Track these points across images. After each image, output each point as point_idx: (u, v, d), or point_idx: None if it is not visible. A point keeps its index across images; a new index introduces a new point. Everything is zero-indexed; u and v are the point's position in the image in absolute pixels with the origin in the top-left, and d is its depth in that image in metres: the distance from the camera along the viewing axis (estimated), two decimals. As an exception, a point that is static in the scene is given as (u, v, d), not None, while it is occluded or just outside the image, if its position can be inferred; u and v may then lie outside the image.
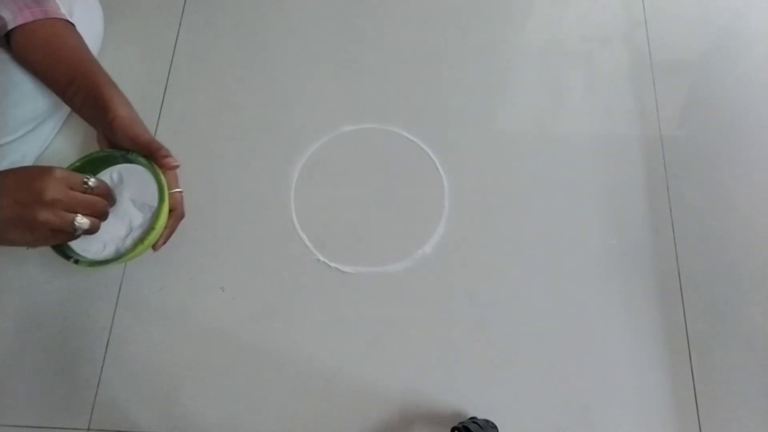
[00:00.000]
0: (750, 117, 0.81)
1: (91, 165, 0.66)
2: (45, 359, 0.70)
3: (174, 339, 0.70)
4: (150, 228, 0.62)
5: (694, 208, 0.76)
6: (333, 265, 0.74)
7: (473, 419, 0.63)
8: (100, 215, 0.57)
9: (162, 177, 0.64)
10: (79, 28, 0.76)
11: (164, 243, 0.66)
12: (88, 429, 0.67)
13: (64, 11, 0.69)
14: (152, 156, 0.64)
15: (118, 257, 0.62)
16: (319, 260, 0.74)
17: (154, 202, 0.63)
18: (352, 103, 0.82)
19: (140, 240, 0.61)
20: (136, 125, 0.65)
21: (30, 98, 0.73)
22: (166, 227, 0.65)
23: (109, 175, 0.66)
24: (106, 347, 0.70)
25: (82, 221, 0.54)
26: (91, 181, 0.56)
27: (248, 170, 0.79)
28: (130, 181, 0.65)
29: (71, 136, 0.81)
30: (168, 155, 0.64)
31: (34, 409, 0.68)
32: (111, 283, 0.73)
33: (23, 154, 0.75)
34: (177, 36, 0.87)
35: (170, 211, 0.65)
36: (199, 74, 0.85)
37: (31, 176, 0.52)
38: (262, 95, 0.83)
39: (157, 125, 0.82)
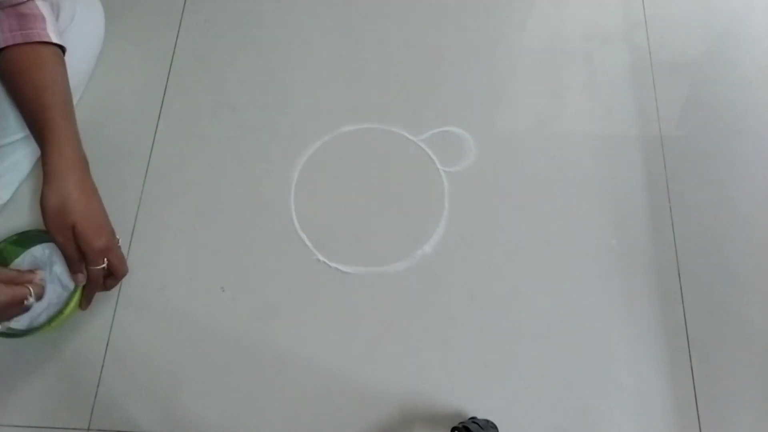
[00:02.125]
0: (750, 117, 0.81)
1: (26, 240, 0.69)
2: (45, 359, 0.70)
3: (174, 339, 0.70)
4: (58, 312, 0.65)
5: (694, 208, 0.76)
6: (333, 265, 0.74)
7: (473, 419, 0.63)
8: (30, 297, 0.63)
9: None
10: (81, 29, 0.77)
11: (88, 304, 0.68)
12: (88, 429, 0.67)
13: (52, 31, 0.67)
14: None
15: (28, 331, 0.65)
16: (319, 260, 0.74)
17: (72, 285, 0.66)
18: (352, 103, 0.82)
19: (48, 322, 0.64)
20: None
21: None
22: (76, 311, 0.68)
23: (42, 249, 0.69)
24: (106, 347, 0.70)
25: (28, 302, 0.62)
26: (38, 281, 0.64)
27: (248, 170, 0.79)
28: (59, 258, 0.67)
29: (71, 136, 0.81)
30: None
31: (34, 409, 0.68)
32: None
33: (24, 154, 0.75)
34: (177, 36, 0.87)
35: (108, 275, 0.66)
36: (199, 74, 0.85)
37: None
38: (262, 95, 0.83)
39: (157, 125, 0.82)
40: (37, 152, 0.78)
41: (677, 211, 0.76)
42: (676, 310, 0.71)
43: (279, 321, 0.71)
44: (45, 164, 0.62)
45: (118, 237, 0.67)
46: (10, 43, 0.63)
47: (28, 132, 0.73)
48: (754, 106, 0.82)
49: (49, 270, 0.69)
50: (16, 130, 0.73)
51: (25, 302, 0.61)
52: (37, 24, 0.65)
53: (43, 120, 0.63)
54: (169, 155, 0.80)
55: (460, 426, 0.60)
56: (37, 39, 0.64)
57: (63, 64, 0.67)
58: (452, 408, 0.67)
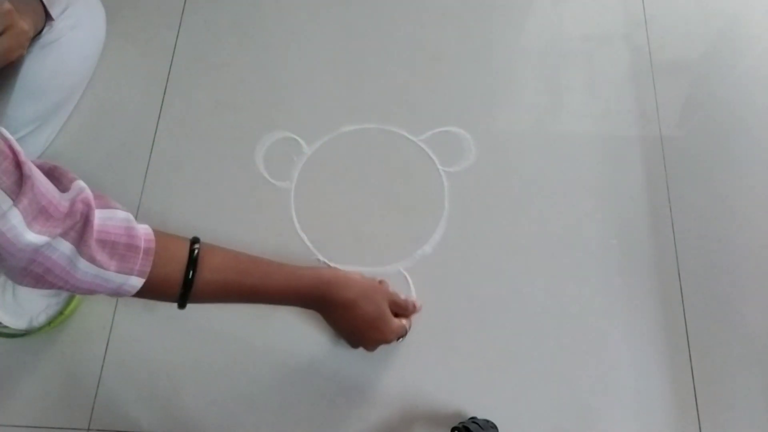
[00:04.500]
0: (750, 117, 0.81)
1: None
2: (45, 359, 0.70)
3: (174, 339, 0.70)
4: (58, 312, 0.66)
5: (694, 208, 0.76)
6: (333, 265, 0.73)
7: (473, 419, 0.63)
8: (407, 326, 0.67)
9: None
10: (81, 29, 0.77)
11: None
12: (88, 429, 0.67)
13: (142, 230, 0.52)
14: None
15: (28, 331, 0.66)
16: (319, 260, 0.74)
17: None
18: (352, 103, 0.82)
19: (48, 322, 0.66)
20: None
21: (30, 100, 0.73)
22: (76, 311, 0.69)
23: None
24: (106, 347, 0.70)
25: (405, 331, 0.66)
26: (412, 302, 0.68)
27: (248, 170, 0.79)
28: None
29: (72, 137, 0.81)
30: None
31: (34, 409, 0.68)
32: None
33: (24, 155, 0.75)
34: (177, 36, 0.87)
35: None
36: (199, 74, 0.85)
37: (383, 329, 0.63)
38: (262, 95, 0.83)
39: (157, 125, 0.82)
40: (37, 152, 0.78)
41: (677, 211, 0.76)
42: (676, 310, 0.71)
43: (279, 321, 0.71)
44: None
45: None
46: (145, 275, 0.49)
47: (28, 131, 0.74)
48: (754, 106, 0.82)
49: None
50: (16, 129, 0.73)
51: None
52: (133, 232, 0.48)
53: (286, 283, 0.58)
54: (169, 155, 0.80)
55: (460, 426, 0.60)
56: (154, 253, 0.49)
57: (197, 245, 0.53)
58: (452, 408, 0.67)
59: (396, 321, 0.63)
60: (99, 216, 0.45)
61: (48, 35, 0.72)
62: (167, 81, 0.84)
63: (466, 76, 0.84)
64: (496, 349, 0.69)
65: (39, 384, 0.69)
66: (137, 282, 0.47)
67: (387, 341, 0.63)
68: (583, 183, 0.77)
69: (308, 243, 0.75)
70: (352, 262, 0.73)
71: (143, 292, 0.48)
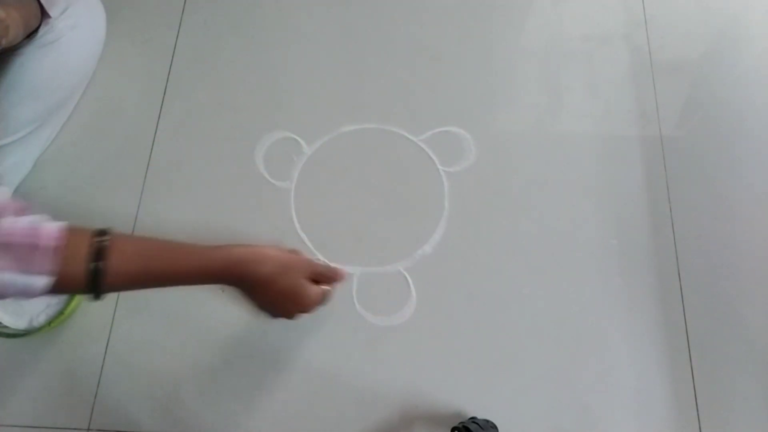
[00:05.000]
0: (750, 117, 0.81)
1: None
2: (45, 359, 0.70)
3: (174, 339, 0.70)
4: (58, 312, 0.67)
5: (694, 208, 0.76)
6: (333, 265, 0.73)
7: (473, 419, 0.63)
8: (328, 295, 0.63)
9: None
10: (81, 29, 0.77)
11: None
12: (88, 429, 0.67)
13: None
14: None
15: (28, 331, 0.66)
16: (319, 260, 0.74)
17: None
18: (352, 103, 0.82)
19: (48, 322, 0.66)
20: None
21: (29, 100, 0.73)
22: (76, 311, 0.70)
23: None
24: (106, 347, 0.70)
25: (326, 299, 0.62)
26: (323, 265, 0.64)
27: (248, 170, 0.79)
28: None
29: (72, 137, 0.81)
30: None
31: (34, 409, 0.68)
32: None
33: (25, 154, 0.75)
34: (177, 36, 0.87)
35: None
36: (199, 74, 0.85)
37: (299, 298, 0.59)
38: (262, 95, 0.83)
39: (157, 125, 0.82)
40: (38, 152, 0.78)
41: (677, 211, 0.76)
42: (676, 310, 0.71)
43: (279, 321, 0.71)
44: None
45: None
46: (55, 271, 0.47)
47: (28, 131, 0.74)
48: (754, 106, 0.82)
49: None
50: (16, 129, 0.73)
51: None
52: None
53: (192, 261, 0.56)
54: (169, 155, 0.80)
55: (460, 426, 0.60)
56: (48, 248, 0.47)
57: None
58: (452, 408, 0.67)
59: (315, 289, 0.60)
60: (6, 222, 0.45)
61: (48, 35, 0.72)
62: (167, 81, 0.84)
63: (466, 76, 0.84)
64: (496, 349, 0.69)
65: (39, 384, 0.69)
66: (43, 281, 0.46)
67: (307, 311, 0.61)
68: (583, 183, 0.77)
69: (308, 243, 0.75)
70: (352, 262, 0.73)
71: (55, 290, 0.47)
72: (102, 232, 0.50)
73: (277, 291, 0.58)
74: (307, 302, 0.60)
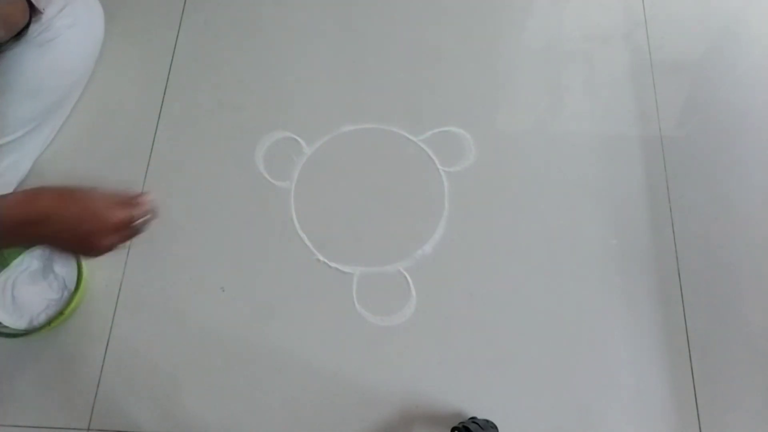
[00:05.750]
0: (750, 117, 0.81)
1: None
2: (45, 359, 0.70)
3: (174, 339, 0.70)
4: (58, 312, 0.67)
5: (694, 208, 0.76)
6: (333, 265, 0.73)
7: (473, 419, 0.63)
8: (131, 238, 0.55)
9: (83, 264, 0.69)
10: (79, 28, 0.77)
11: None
12: (88, 429, 0.67)
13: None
14: None
15: (28, 331, 0.67)
16: (319, 260, 0.74)
17: (73, 285, 0.68)
18: (352, 103, 0.82)
19: (48, 322, 0.67)
20: None
21: (28, 99, 0.73)
22: (76, 311, 0.70)
23: (42, 250, 0.71)
24: (106, 347, 0.70)
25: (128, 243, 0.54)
26: (139, 222, 0.54)
27: (248, 170, 0.79)
28: (59, 258, 0.70)
29: (71, 137, 0.81)
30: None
31: (34, 409, 0.68)
32: (111, 283, 0.73)
33: (23, 154, 0.75)
34: (177, 36, 0.87)
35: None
36: (199, 74, 0.85)
37: (96, 214, 0.52)
38: (262, 95, 0.83)
39: (157, 125, 0.82)
40: (37, 152, 0.78)
41: (677, 211, 0.76)
42: (676, 310, 0.71)
43: (279, 321, 0.71)
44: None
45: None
46: None
47: (26, 131, 0.74)
48: (754, 106, 0.82)
49: (50, 270, 0.69)
50: (14, 129, 0.73)
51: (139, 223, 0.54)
52: None
53: None
54: (169, 155, 0.80)
55: (460, 426, 0.60)
56: None
57: None
58: (452, 408, 0.67)
59: (114, 224, 0.51)
60: None
61: (45, 34, 0.72)
62: (167, 81, 0.84)
63: (466, 76, 0.84)
64: (496, 349, 0.69)
65: (39, 384, 0.69)
66: None
67: (112, 248, 0.53)
68: (583, 183, 0.77)
69: (308, 243, 0.75)
70: (352, 262, 0.73)
71: None
72: None
73: (75, 243, 0.52)
74: (106, 244, 0.52)
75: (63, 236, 0.52)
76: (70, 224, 0.51)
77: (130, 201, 0.54)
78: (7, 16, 0.67)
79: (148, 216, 0.54)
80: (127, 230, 0.53)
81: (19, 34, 0.70)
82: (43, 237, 0.52)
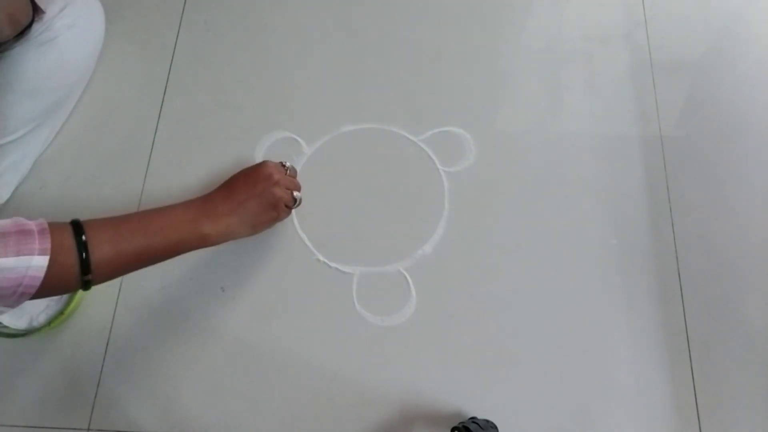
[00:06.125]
0: (750, 117, 0.81)
1: None
2: (45, 359, 0.70)
3: (174, 339, 0.70)
4: (58, 312, 0.67)
5: (694, 208, 0.76)
6: (333, 265, 0.74)
7: (473, 419, 0.63)
8: (299, 189, 0.70)
9: None
10: (80, 29, 0.77)
11: None
12: (88, 429, 0.67)
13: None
14: None
15: (28, 331, 0.66)
16: (319, 260, 0.74)
17: None
18: (352, 103, 0.82)
19: (48, 322, 0.66)
20: None
21: (28, 99, 0.73)
22: (76, 311, 0.70)
23: None
24: (106, 347, 0.70)
25: (297, 194, 0.69)
26: (288, 164, 0.71)
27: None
28: None
29: (72, 137, 0.81)
30: None
31: (34, 409, 0.68)
32: (111, 283, 0.72)
33: (24, 154, 0.75)
34: (177, 36, 0.87)
35: None
36: (199, 74, 0.85)
37: (258, 170, 0.65)
38: (262, 95, 0.83)
39: (157, 125, 0.82)
40: (37, 151, 0.78)
41: (677, 211, 0.76)
42: (676, 310, 0.71)
43: (279, 321, 0.71)
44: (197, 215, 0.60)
45: None
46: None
47: (27, 131, 0.74)
48: (754, 106, 0.82)
49: None
50: (15, 129, 0.73)
51: (296, 203, 0.69)
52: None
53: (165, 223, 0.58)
54: (169, 155, 0.80)
55: (460, 426, 0.60)
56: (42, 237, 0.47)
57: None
58: (452, 408, 0.67)
59: (282, 195, 0.65)
60: None
61: (45, 33, 0.72)
62: (167, 81, 0.84)
63: (466, 76, 0.84)
64: (496, 349, 0.69)
65: (39, 384, 0.69)
66: (42, 261, 0.46)
67: (282, 215, 0.67)
68: (583, 183, 0.77)
69: (308, 243, 0.75)
70: (352, 262, 0.73)
71: (47, 281, 0.47)
72: (75, 221, 0.51)
73: (258, 221, 0.64)
74: (281, 211, 0.66)
75: (250, 204, 0.62)
76: (253, 189, 0.63)
77: (283, 167, 0.69)
78: (13, 14, 0.67)
79: (287, 164, 0.70)
80: (285, 176, 0.67)
81: (21, 33, 0.70)
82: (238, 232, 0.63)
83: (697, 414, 0.67)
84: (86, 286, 0.51)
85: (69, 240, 0.49)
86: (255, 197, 0.63)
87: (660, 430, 0.66)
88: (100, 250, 0.51)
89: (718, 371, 0.69)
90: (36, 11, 0.70)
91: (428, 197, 0.77)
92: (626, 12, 0.88)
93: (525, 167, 0.78)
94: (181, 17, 0.89)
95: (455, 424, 0.61)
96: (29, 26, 0.70)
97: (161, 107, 0.83)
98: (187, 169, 0.79)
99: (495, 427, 0.62)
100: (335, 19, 0.88)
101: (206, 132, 0.81)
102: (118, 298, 0.72)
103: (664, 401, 0.67)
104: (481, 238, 0.75)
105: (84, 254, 0.50)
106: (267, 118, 0.82)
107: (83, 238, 0.50)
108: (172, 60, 0.86)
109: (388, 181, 0.78)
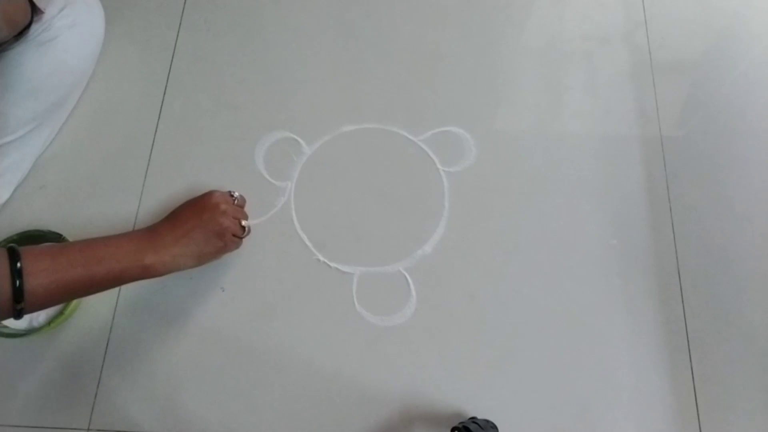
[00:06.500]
0: (750, 117, 0.81)
1: (26, 240, 0.70)
2: (45, 359, 0.70)
3: (174, 339, 0.70)
4: (58, 312, 0.67)
5: (694, 208, 0.76)
6: (333, 265, 0.74)
7: (473, 419, 0.63)
8: (246, 219, 0.71)
9: None
10: (80, 29, 0.77)
11: None
12: (88, 429, 0.67)
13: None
14: None
15: (28, 331, 0.66)
16: (319, 260, 0.74)
17: None
18: (352, 103, 0.82)
19: (48, 322, 0.66)
20: None
21: (28, 99, 0.73)
22: (76, 311, 0.70)
23: None
24: (106, 347, 0.70)
25: (246, 223, 0.70)
26: (236, 194, 0.71)
27: (248, 170, 0.79)
28: None
29: (71, 137, 0.81)
30: None
31: (34, 409, 0.68)
32: (111, 283, 0.73)
33: (23, 154, 0.75)
34: (177, 36, 0.87)
35: None
36: (199, 74, 0.85)
37: (204, 199, 0.65)
38: (262, 95, 0.83)
39: (157, 125, 0.82)
40: (37, 151, 0.78)
41: (677, 211, 0.76)
42: (676, 310, 0.71)
43: (279, 321, 0.71)
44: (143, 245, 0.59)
45: None
46: None
47: (27, 131, 0.74)
48: (754, 106, 0.82)
49: None
50: (15, 129, 0.73)
51: (244, 232, 0.70)
52: None
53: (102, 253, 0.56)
54: (169, 155, 0.80)
55: (460, 426, 0.60)
56: None
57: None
58: (452, 408, 0.67)
59: (230, 225, 0.65)
60: None
61: (45, 33, 0.72)
62: (167, 81, 0.84)
63: (466, 76, 0.84)
64: (496, 349, 0.69)
65: (39, 384, 0.69)
66: None
67: (230, 246, 0.67)
68: (583, 183, 0.77)
69: (308, 243, 0.75)
70: (352, 262, 0.73)
71: None
72: (12, 249, 0.50)
73: (204, 254, 0.64)
74: (230, 244, 0.66)
75: (196, 234, 0.62)
76: (198, 220, 0.62)
77: (231, 198, 0.69)
78: (10, 14, 0.67)
79: (235, 194, 0.70)
80: (232, 206, 0.66)
81: (21, 33, 0.70)
82: (193, 244, 0.62)
83: (697, 414, 0.67)
84: (18, 315, 0.50)
85: (4, 267, 0.48)
86: (200, 227, 0.62)
87: (660, 430, 0.66)
88: (36, 278, 0.50)
89: (718, 371, 0.69)
90: (35, 11, 0.70)
91: (428, 197, 0.77)
92: (626, 12, 0.88)
93: (525, 167, 0.78)
94: (181, 17, 0.89)
95: (455, 424, 0.61)
96: (28, 26, 0.70)
97: (161, 107, 0.83)
98: (187, 169, 0.79)
99: (495, 427, 0.62)
100: (335, 19, 0.88)
101: (206, 132, 0.81)
102: (118, 298, 0.72)
103: (664, 401, 0.67)
104: (481, 238, 0.75)
105: (18, 282, 0.48)
106: (267, 118, 0.82)
107: (18, 265, 0.49)
108: (172, 60, 0.86)
109: (388, 181, 0.78)
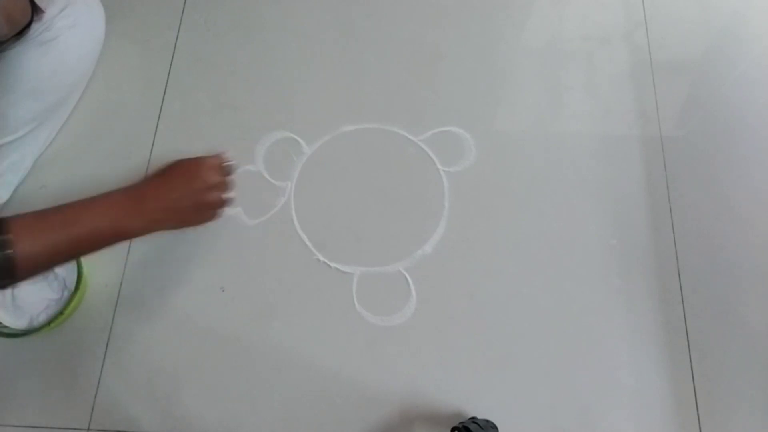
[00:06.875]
0: (750, 117, 0.81)
1: None
2: (45, 359, 0.70)
3: (174, 339, 0.70)
4: (58, 312, 0.67)
5: (694, 208, 0.76)
6: (333, 265, 0.74)
7: (473, 419, 0.63)
8: (232, 190, 0.65)
9: (83, 267, 0.69)
10: (81, 29, 0.77)
11: None
12: (88, 429, 0.67)
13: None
14: None
15: (28, 331, 0.67)
16: (319, 260, 0.74)
17: (73, 285, 0.68)
18: (352, 103, 0.82)
19: (48, 322, 0.67)
20: None
21: (28, 99, 0.73)
22: (76, 311, 0.71)
23: None
24: (106, 347, 0.70)
25: (230, 195, 0.64)
26: (231, 162, 0.65)
27: (248, 170, 0.79)
28: None
29: (71, 137, 0.81)
30: None
31: (34, 409, 0.68)
32: (111, 283, 0.73)
33: (23, 154, 0.75)
34: (177, 36, 0.87)
35: None
36: (199, 74, 0.85)
37: (198, 166, 0.61)
38: (262, 95, 0.83)
39: (157, 125, 0.82)
40: (37, 151, 0.78)
41: (677, 211, 0.76)
42: (676, 310, 0.71)
43: (279, 321, 0.71)
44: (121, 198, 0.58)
45: None
46: None
47: (27, 130, 0.74)
48: (754, 106, 0.82)
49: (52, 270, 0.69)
50: (15, 129, 0.73)
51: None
52: None
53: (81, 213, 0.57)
54: (169, 155, 0.79)
55: (460, 426, 0.60)
56: None
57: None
58: (452, 408, 0.67)
59: (216, 200, 0.61)
60: None
61: (46, 34, 0.72)
62: (167, 81, 0.84)
63: (466, 76, 0.84)
64: (496, 349, 0.69)
65: (39, 384, 0.69)
66: None
67: (213, 218, 0.63)
68: (583, 183, 0.77)
69: (308, 243, 0.75)
70: (352, 262, 0.73)
71: None
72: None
73: (180, 221, 0.61)
74: (209, 215, 0.62)
75: (182, 203, 0.59)
76: (187, 189, 0.59)
77: (225, 168, 0.64)
78: (10, 11, 0.67)
79: (231, 162, 0.64)
80: (224, 178, 0.62)
81: (21, 32, 0.70)
82: (166, 211, 0.59)
83: (697, 414, 0.67)
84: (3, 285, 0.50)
85: None
86: (188, 197, 0.59)
87: (660, 430, 0.66)
88: (23, 246, 0.50)
89: (718, 371, 0.69)
90: (35, 11, 0.70)
91: (428, 197, 0.77)
92: (626, 12, 0.88)
93: (525, 167, 0.78)
94: (181, 17, 0.89)
95: (455, 424, 0.61)
96: (28, 26, 0.70)
97: (161, 107, 0.83)
98: (187, 169, 0.79)
99: (495, 427, 0.62)
100: (335, 19, 0.88)
101: (206, 132, 0.81)
102: (118, 298, 0.72)
103: (664, 401, 0.67)
104: (481, 238, 0.75)
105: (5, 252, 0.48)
106: (267, 118, 0.82)
107: (6, 236, 0.49)
108: (172, 60, 0.86)
109: (388, 181, 0.78)
